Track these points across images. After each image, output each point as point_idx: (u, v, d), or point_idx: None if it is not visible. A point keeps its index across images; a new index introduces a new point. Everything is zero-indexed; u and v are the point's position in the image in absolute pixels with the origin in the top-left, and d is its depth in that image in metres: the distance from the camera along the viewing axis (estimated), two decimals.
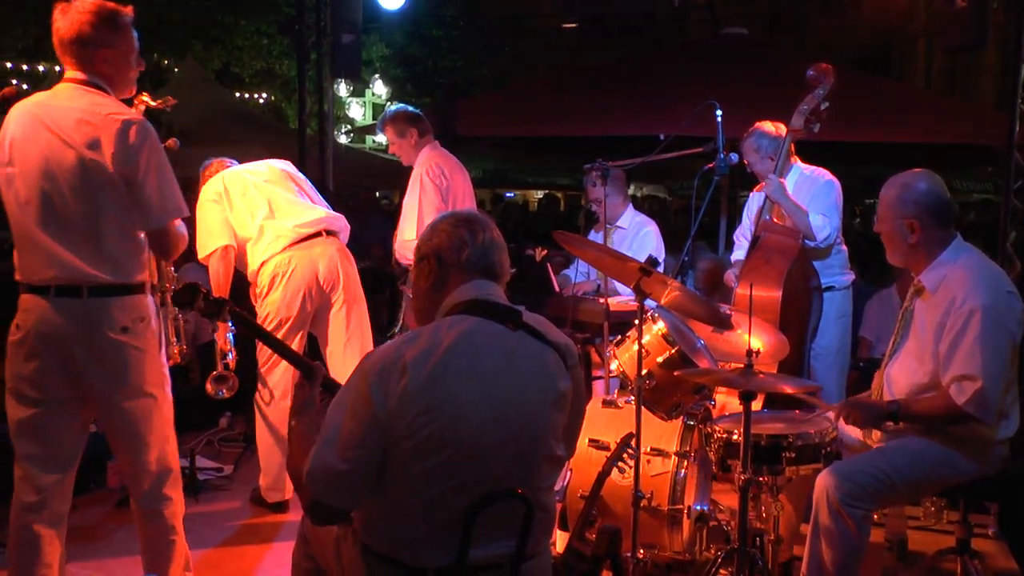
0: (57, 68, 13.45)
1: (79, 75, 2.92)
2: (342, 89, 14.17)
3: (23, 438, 2.95)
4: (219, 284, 4.15)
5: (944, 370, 3.01)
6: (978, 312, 2.95)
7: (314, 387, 2.37)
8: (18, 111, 2.92)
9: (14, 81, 12.75)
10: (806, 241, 4.21)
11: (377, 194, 12.66)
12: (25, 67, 13.85)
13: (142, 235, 2.98)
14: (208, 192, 4.30)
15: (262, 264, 4.22)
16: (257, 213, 4.22)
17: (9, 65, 13.75)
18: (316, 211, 4.35)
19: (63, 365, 2.90)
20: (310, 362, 2.44)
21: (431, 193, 4.66)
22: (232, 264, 4.24)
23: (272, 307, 4.22)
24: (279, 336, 4.02)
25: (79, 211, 2.85)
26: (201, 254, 4.23)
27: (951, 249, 3.13)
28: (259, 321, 4.17)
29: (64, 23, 2.88)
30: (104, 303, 2.88)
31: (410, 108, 5.07)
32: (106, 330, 2.88)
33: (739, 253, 4.73)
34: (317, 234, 4.29)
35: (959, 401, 2.95)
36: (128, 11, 2.98)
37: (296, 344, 4.26)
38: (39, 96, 2.94)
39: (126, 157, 2.84)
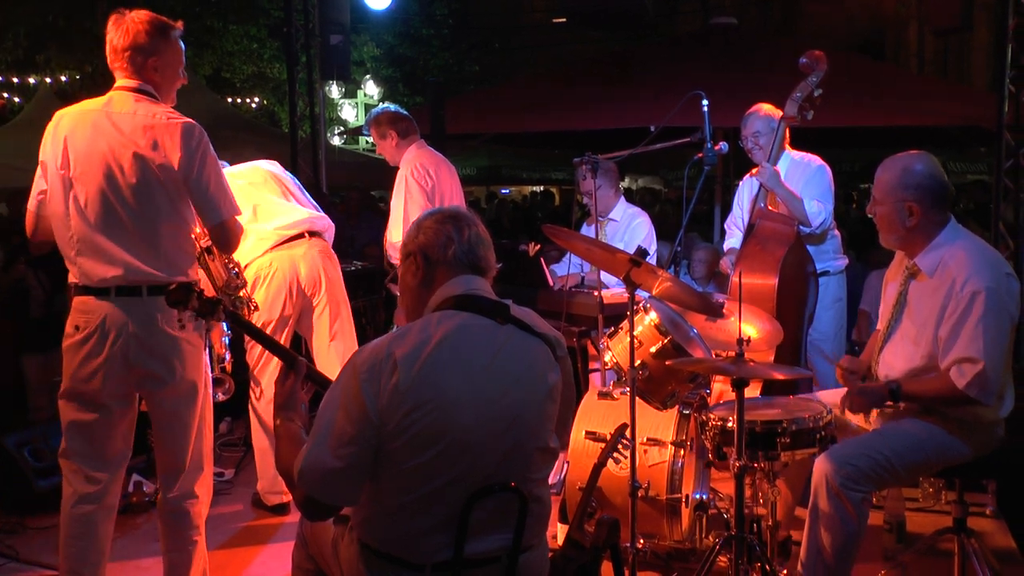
0: (48, 81, 13.52)
1: (132, 83, 3.05)
2: (334, 91, 14.15)
3: (76, 438, 3.06)
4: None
5: (945, 353, 3.02)
6: (981, 295, 2.95)
7: (297, 380, 2.37)
8: (72, 117, 3.02)
9: (5, 95, 12.78)
10: (801, 228, 4.23)
11: (373, 194, 12.66)
12: (16, 80, 13.87)
13: (192, 236, 3.15)
14: None
15: (245, 267, 4.24)
16: (241, 217, 4.25)
17: (0, 78, 13.77)
18: (299, 212, 4.36)
19: (124, 361, 3.00)
20: (295, 355, 2.44)
21: (416, 194, 4.69)
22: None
23: None
24: None
25: (140, 213, 2.99)
26: None
27: (947, 231, 3.13)
28: None
29: (118, 32, 3.03)
30: (162, 301, 2.91)
31: (392, 108, 5.08)
32: (165, 326, 3.02)
33: (731, 241, 4.74)
34: (299, 235, 4.31)
35: (960, 384, 2.96)
36: (179, 25, 3.14)
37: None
38: (94, 103, 3.04)
39: (190, 157, 3.01)
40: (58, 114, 3.06)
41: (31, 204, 3.07)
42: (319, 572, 2.42)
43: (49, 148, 3.02)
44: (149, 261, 3.01)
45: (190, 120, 3.07)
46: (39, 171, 3.04)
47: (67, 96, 11.65)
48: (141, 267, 3.00)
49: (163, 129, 3.00)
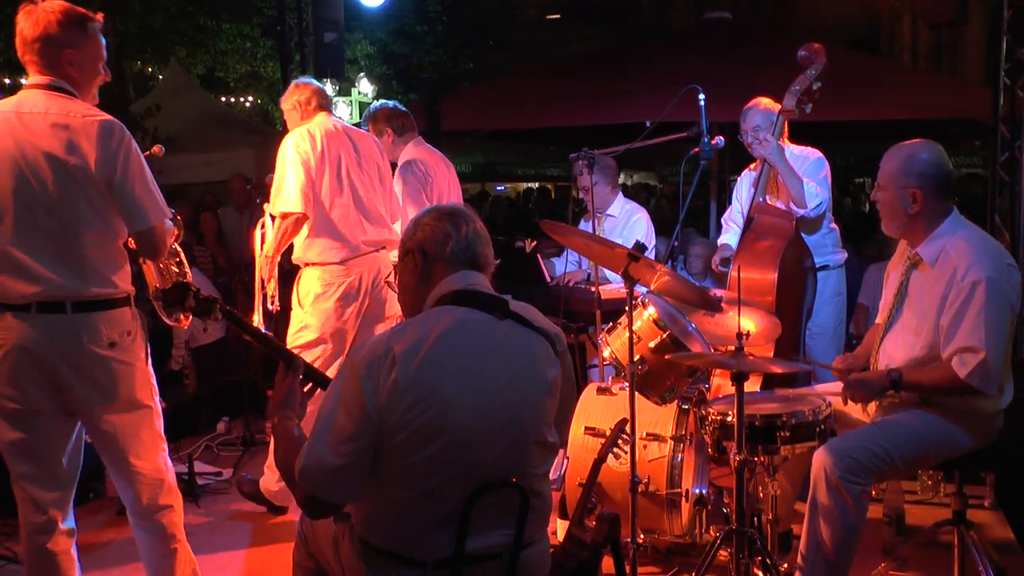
0: (23, 80, 13.48)
1: (44, 79, 2.81)
2: (328, 89, 14.14)
3: (17, 459, 2.87)
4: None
5: (946, 343, 3.02)
6: (982, 284, 2.95)
7: (295, 378, 2.37)
8: None
9: None
10: (796, 210, 4.22)
11: None
12: (8, 81, 13.82)
13: (121, 244, 2.91)
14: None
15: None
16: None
17: None
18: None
19: (50, 382, 2.81)
20: (292, 353, 2.44)
21: (413, 192, 4.72)
22: None
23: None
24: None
25: (59, 222, 2.76)
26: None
27: (949, 221, 3.14)
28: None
29: (28, 23, 2.78)
30: (89, 318, 2.79)
31: (390, 104, 5.10)
32: (92, 346, 2.81)
33: (725, 237, 4.74)
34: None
35: (961, 374, 2.96)
36: (98, 17, 2.89)
37: None
38: (2, 104, 2.81)
39: (109, 158, 2.76)
40: None
41: None
42: (319, 570, 2.42)
43: None
44: (73, 275, 2.77)
45: (109, 117, 2.82)
46: None
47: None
48: (63, 281, 2.76)
49: (79, 129, 2.74)
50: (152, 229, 2.88)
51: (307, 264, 4.27)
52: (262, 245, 4.30)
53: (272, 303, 4.26)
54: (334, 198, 4.21)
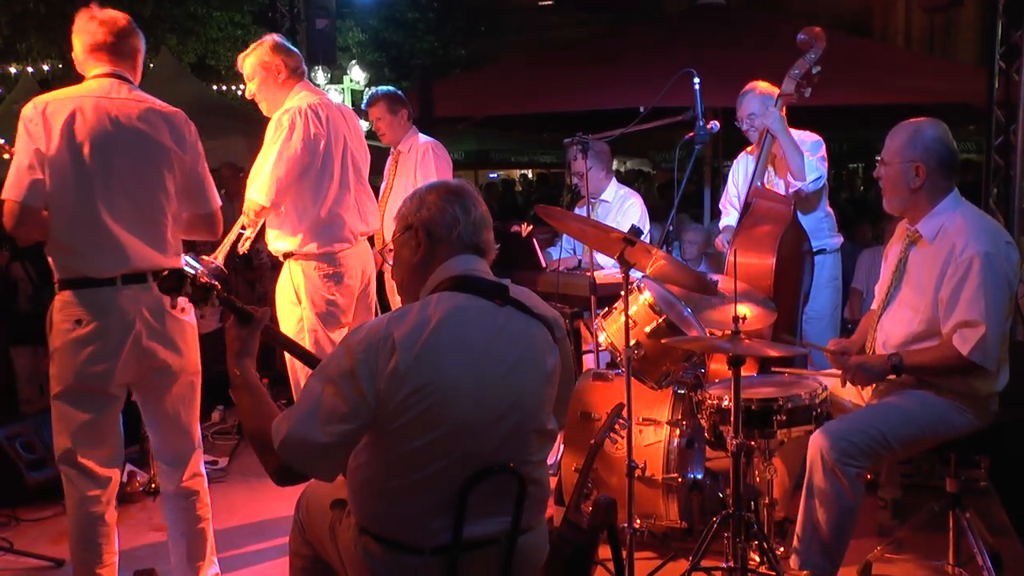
0: (30, 70, 13.36)
1: (112, 69, 3.05)
2: (320, 76, 14.06)
3: (84, 439, 2.99)
4: None
5: (945, 318, 3.04)
6: (978, 259, 2.98)
7: (254, 329, 2.29)
8: (63, 103, 2.91)
9: None
10: (795, 182, 4.20)
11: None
12: None
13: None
14: None
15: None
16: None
17: None
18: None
19: (137, 351, 2.98)
20: (255, 310, 2.34)
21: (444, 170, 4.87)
22: None
23: None
24: None
25: (149, 199, 3.01)
26: None
27: (950, 199, 3.16)
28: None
29: (107, 25, 3.04)
30: None
31: (392, 89, 5.15)
32: (171, 310, 3.04)
33: (726, 219, 4.73)
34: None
35: (963, 351, 2.98)
36: (92, 8, 3.10)
37: None
38: (82, 89, 3.00)
39: (191, 144, 3.11)
40: (38, 101, 2.94)
41: (15, 196, 2.89)
42: (316, 558, 2.42)
43: (42, 136, 2.88)
44: (155, 247, 3.01)
45: (174, 108, 3.14)
46: (26, 160, 2.90)
47: (49, 85, 11.53)
48: (148, 254, 2.99)
49: (169, 115, 3.06)
50: (215, 211, 3.22)
51: (299, 256, 3.96)
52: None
53: (242, 245, 3.95)
54: (337, 185, 3.97)
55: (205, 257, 3.52)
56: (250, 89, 4.03)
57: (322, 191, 3.89)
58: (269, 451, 2.04)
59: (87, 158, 2.90)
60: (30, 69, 13.56)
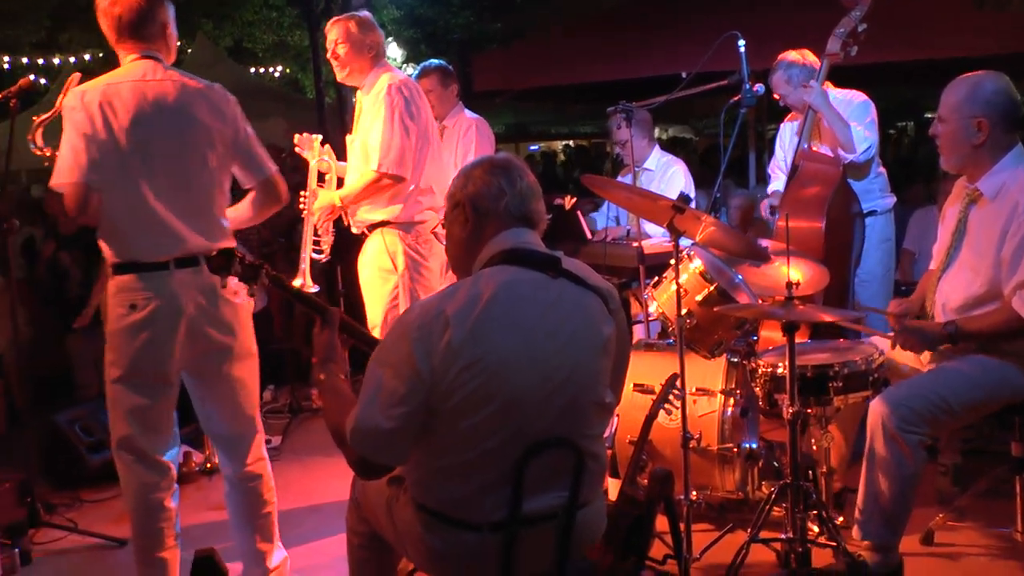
0: (72, 60, 13.54)
1: (146, 51, 3.00)
2: None
3: (138, 425, 2.98)
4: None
5: (1008, 277, 2.95)
6: None
7: (332, 331, 2.35)
8: (103, 90, 2.90)
9: (31, 76, 12.82)
10: (844, 155, 4.11)
11: None
12: (41, 61, 13.92)
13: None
14: None
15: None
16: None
17: (25, 60, 13.81)
18: None
19: (192, 335, 2.97)
20: (327, 307, 2.42)
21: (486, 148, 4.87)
22: None
23: None
24: None
25: (196, 181, 2.98)
26: None
27: (1012, 156, 3.05)
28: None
29: (122, 6, 2.96)
30: None
31: (443, 63, 5.17)
32: (224, 293, 3.01)
33: (775, 184, 4.66)
34: None
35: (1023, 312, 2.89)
36: None
37: None
38: (116, 74, 2.97)
39: (232, 117, 3.06)
40: (77, 90, 2.93)
41: (75, 177, 2.86)
42: (373, 534, 2.42)
43: (85, 121, 2.87)
44: (206, 230, 2.98)
45: (210, 83, 3.10)
46: (79, 142, 2.86)
47: (91, 74, 11.65)
48: (198, 238, 2.96)
49: (204, 92, 3.01)
50: (272, 176, 3.15)
51: (394, 225, 4.00)
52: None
53: (324, 252, 4.07)
54: (431, 157, 4.07)
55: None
56: (335, 51, 4.04)
57: (421, 162, 3.99)
58: (346, 445, 2.07)
59: (129, 142, 2.88)
60: (72, 59, 13.74)
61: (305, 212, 4.07)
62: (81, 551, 3.90)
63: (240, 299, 3.08)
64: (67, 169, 2.86)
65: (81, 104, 2.88)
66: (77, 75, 3.14)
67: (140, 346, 2.92)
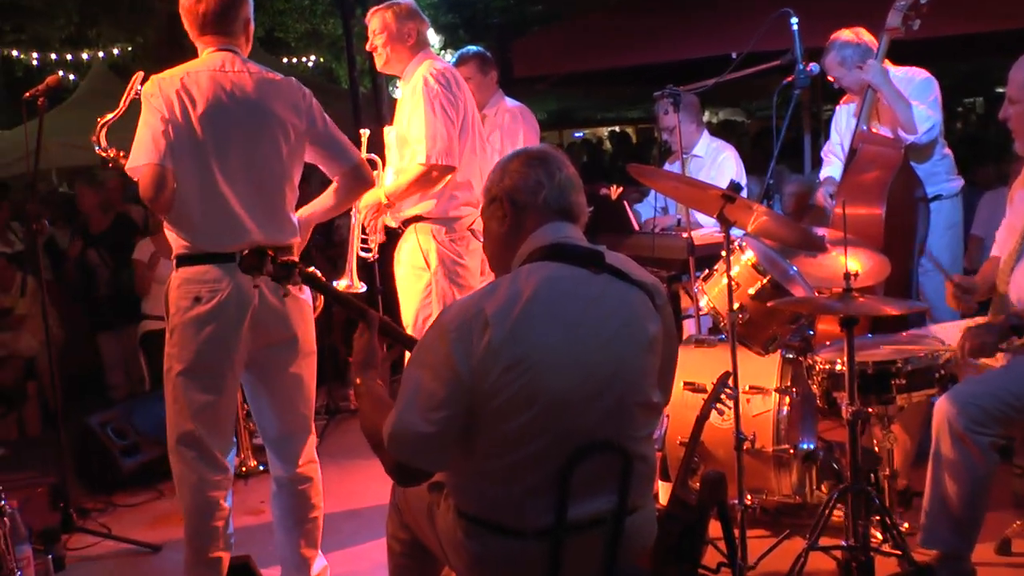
0: (101, 55, 13.75)
1: (225, 45, 3.08)
2: None
3: (203, 421, 3.03)
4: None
5: None
6: None
7: (371, 334, 2.36)
8: (184, 80, 2.95)
9: (60, 72, 13.08)
10: (906, 137, 4.04)
11: None
12: (69, 57, 14.17)
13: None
14: None
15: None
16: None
17: (54, 56, 14.07)
18: None
19: (255, 328, 3.02)
20: (367, 308, 2.43)
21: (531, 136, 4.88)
22: None
23: None
24: None
25: (267, 173, 3.04)
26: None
27: None
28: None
29: (208, 2, 3.04)
30: None
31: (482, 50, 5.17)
32: (292, 290, 3.04)
33: (827, 170, 4.60)
34: None
35: None
36: None
37: None
38: (194, 63, 3.04)
39: (309, 109, 3.12)
40: (155, 78, 2.99)
41: (154, 158, 2.87)
42: (415, 541, 2.43)
43: (163, 106, 2.91)
44: (276, 223, 3.05)
45: (287, 77, 3.18)
46: (159, 126, 2.90)
47: (121, 70, 11.85)
48: (266, 231, 3.01)
49: (282, 85, 3.09)
50: (358, 163, 3.22)
51: (428, 220, 4.00)
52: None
53: (372, 251, 4.10)
54: (469, 151, 4.05)
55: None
56: (374, 42, 4.07)
57: (459, 154, 3.96)
58: (384, 450, 2.07)
59: (204, 130, 2.94)
60: (101, 54, 13.97)
61: (352, 210, 4.05)
62: (115, 557, 3.98)
63: (305, 295, 3.14)
64: (145, 151, 2.90)
65: (159, 91, 2.95)
66: (140, 73, 3.20)
67: (205, 339, 2.97)
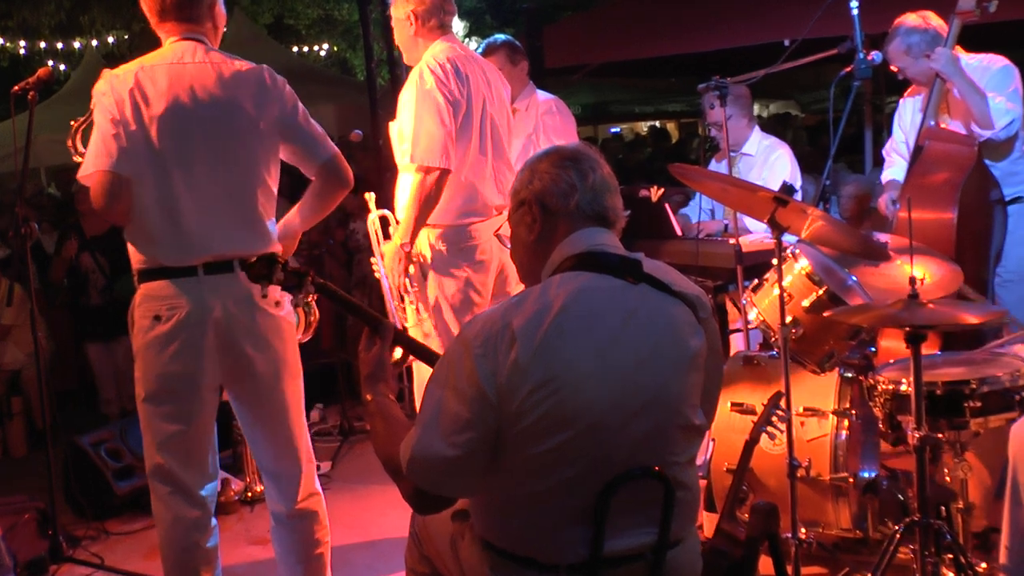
0: (95, 43, 13.93)
1: (189, 33, 3.05)
2: None
3: (171, 453, 3.01)
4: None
5: None
6: None
7: (384, 345, 2.38)
8: (137, 76, 2.93)
9: (50, 62, 13.27)
10: (981, 133, 4.02)
11: None
12: (60, 45, 14.38)
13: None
14: None
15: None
16: None
17: (43, 45, 14.28)
18: None
19: (219, 347, 2.98)
20: (380, 318, 2.45)
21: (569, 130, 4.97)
22: None
23: None
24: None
25: (236, 177, 3.01)
26: None
27: None
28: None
29: None
30: None
31: (510, 39, 5.23)
32: (263, 305, 3.01)
33: (890, 172, 4.59)
34: None
35: None
36: None
37: None
38: (150, 57, 3.01)
39: (281, 100, 3.09)
40: (108, 74, 2.99)
41: (104, 166, 2.88)
42: (436, 575, 2.44)
43: (114, 108, 2.90)
44: (242, 231, 3.00)
45: (258, 65, 3.13)
46: (109, 129, 2.90)
47: (115, 59, 12.01)
48: (234, 239, 2.97)
49: (249, 77, 3.05)
50: (335, 155, 3.16)
51: (426, 226, 3.92)
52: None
53: (409, 295, 3.94)
54: (474, 150, 3.98)
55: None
56: (394, 32, 4.18)
57: (457, 155, 3.90)
58: (402, 476, 2.08)
59: (162, 134, 2.91)
60: (94, 43, 14.15)
61: (377, 275, 4.04)
62: None
63: (283, 311, 3.09)
64: (94, 157, 2.91)
65: (111, 89, 2.93)
66: (106, 71, 3.16)
67: (167, 361, 2.96)
